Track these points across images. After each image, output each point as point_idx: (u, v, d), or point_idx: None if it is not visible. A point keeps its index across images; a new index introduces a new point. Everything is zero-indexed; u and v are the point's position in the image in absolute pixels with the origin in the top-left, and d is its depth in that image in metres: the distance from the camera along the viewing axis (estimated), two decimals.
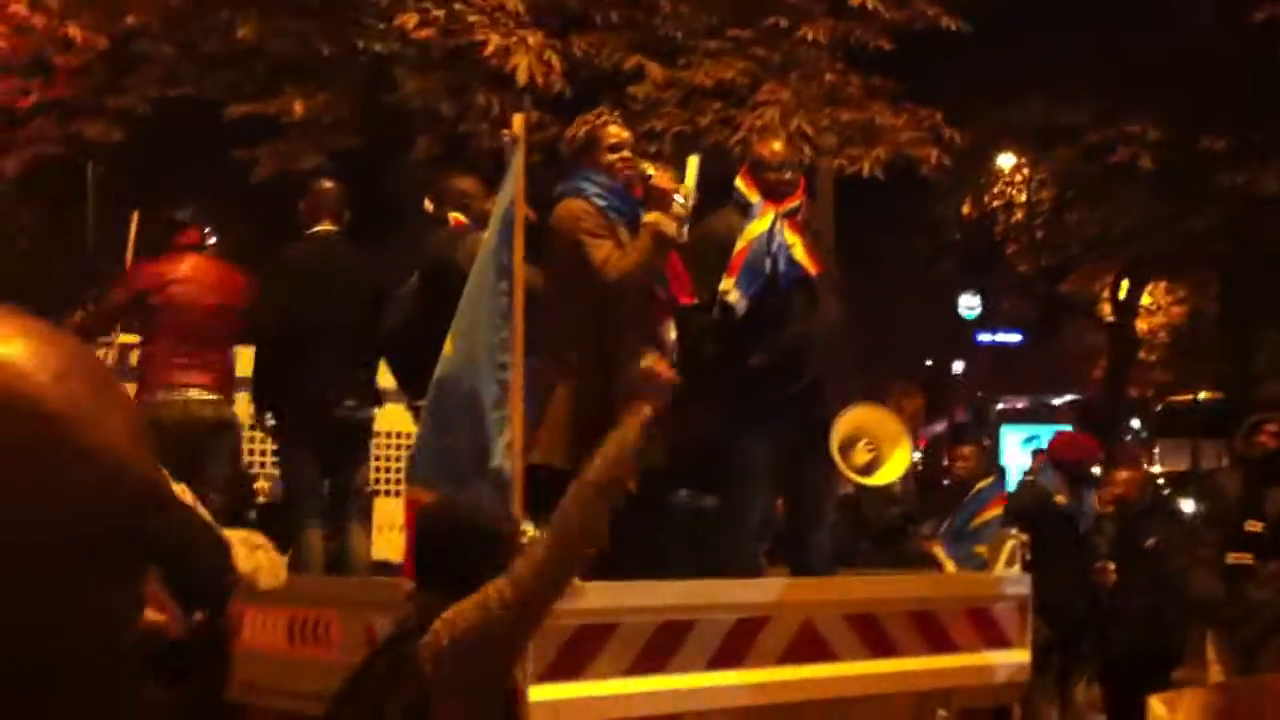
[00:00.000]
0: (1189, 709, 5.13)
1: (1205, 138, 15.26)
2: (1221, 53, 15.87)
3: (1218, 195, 15.77)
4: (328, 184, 6.66)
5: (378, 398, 6.43)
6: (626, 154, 5.31)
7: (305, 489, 6.24)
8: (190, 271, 6.64)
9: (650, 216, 5.10)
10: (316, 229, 6.38)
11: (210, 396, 6.50)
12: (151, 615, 1.08)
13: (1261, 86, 15.70)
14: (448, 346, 4.54)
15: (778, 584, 5.46)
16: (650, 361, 4.81)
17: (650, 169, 5.33)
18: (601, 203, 5.16)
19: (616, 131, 5.33)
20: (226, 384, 6.65)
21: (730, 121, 10.96)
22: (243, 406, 6.78)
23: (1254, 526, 7.85)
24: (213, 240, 7.05)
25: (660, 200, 5.14)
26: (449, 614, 3.14)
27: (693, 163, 5.44)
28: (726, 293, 5.44)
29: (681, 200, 5.12)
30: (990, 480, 8.03)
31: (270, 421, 6.52)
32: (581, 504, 3.26)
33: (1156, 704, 4.59)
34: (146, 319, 6.64)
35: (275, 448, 6.84)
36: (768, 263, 5.51)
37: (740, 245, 5.49)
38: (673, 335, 5.32)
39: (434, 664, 3.08)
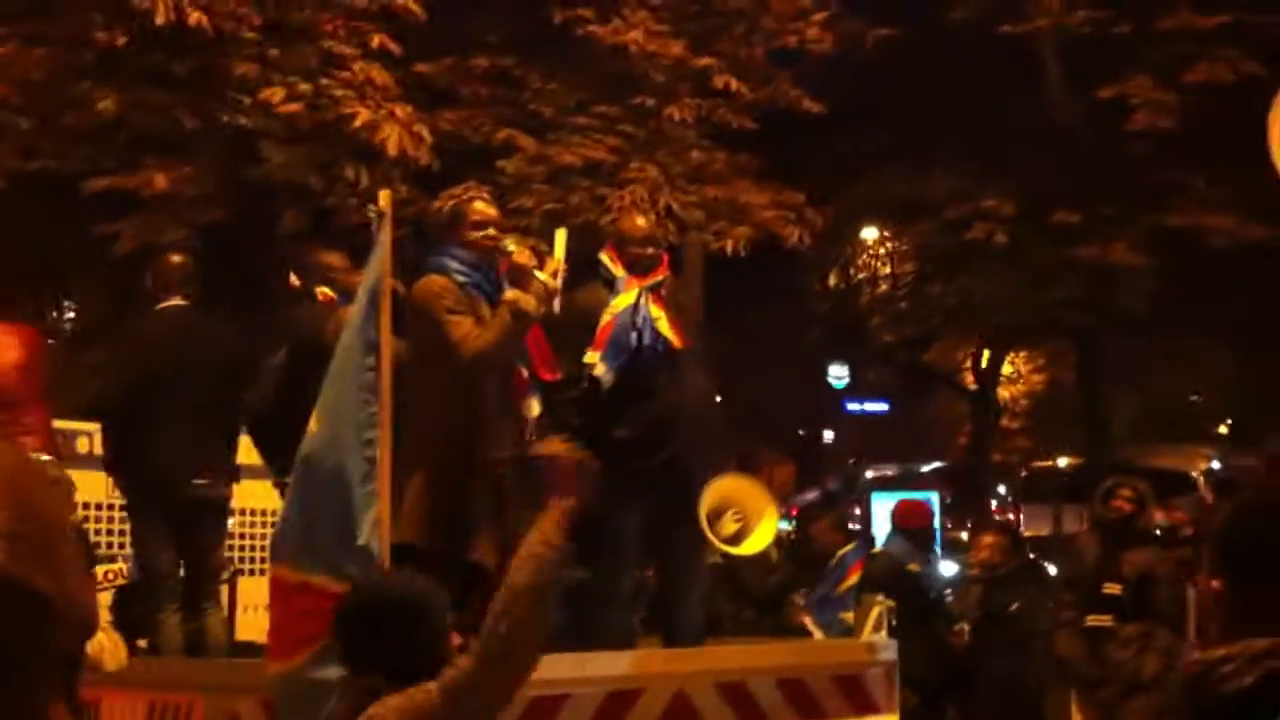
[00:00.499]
0: None
1: (1059, 211, 15.80)
2: (1071, 129, 16.49)
3: (1072, 267, 16.31)
4: (175, 257, 6.51)
5: (234, 474, 6.30)
6: (491, 231, 5.31)
7: (160, 570, 6.06)
8: None
9: (510, 294, 5.12)
10: (166, 303, 6.26)
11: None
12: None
13: (1110, 160, 16.34)
14: (313, 424, 4.50)
15: (649, 655, 5.47)
16: (555, 447, 4.77)
17: (511, 245, 5.37)
18: (462, 279, 5.15)
19: (482, 208, 5.33)
20: (50, 445, 6.37)
21: (600, 200, 11.08)
22: (97, 484, 6.58)
23: (1112, 589, 8.05)
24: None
25: (521, 277, 5.17)
26: (377, 709, 3.07)
27: (561, 235, 5.48)
28: (593, 366, 5.48)
29: (543, 276, 5.16)
30: (851, 546, 8.15)
31: (121, 500, 6.33)
32: (521, 611, 3.14)
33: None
34: None
35: (128, 527, 6.63)
36: (633, 336, 5.57)
37: (605, 319, 5.54)
38: (535, 411, 5.33)
39: None
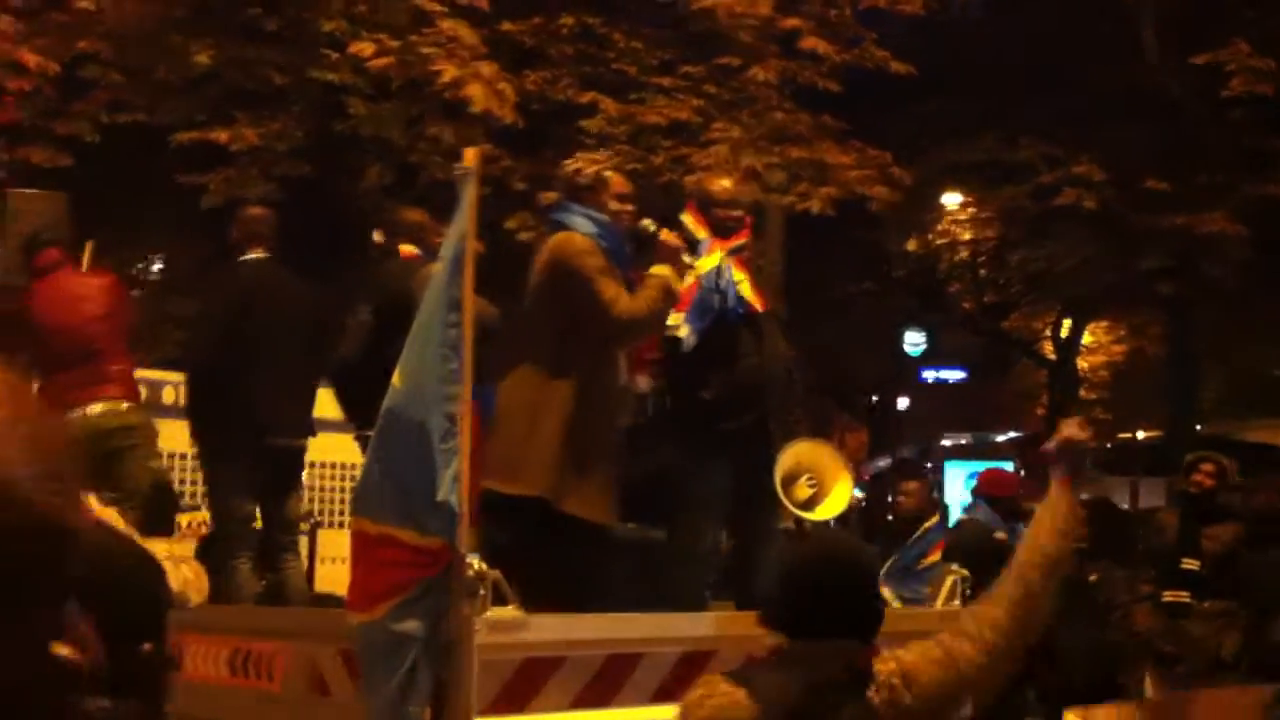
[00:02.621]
0: None
1: (1150, 179, 15.52)
2: (1165, 95, 16.17)
3: (1162, 235, 16.04)
4: (257, 210, 6.59)
5: (312, 428, 6.37)
6: (630, 206, 5.32)
7: (237, 519, 6.15)
8: (51, 293, 6.44)
9: (662, 269, 5.13)
10: (248, 255, 6.33)
11: (110, 407, 6.28)
12: (64, 651, 1.03)
13: (1204, 128, 16.00)
14: (396, 379, 4.54)
15: (723, 618, 5.49)
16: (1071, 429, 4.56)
17: (652, 225, 5.37)
18: (604, 244, 5.14)
19: (624, 181, 5.37)
20: (131, 392, 6.46)
21: (682, 160, 11.05)
22: (182, 434, 6.67)
23: (1190, 564, 7.97)
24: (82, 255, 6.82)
25: (670, 256, 5.18)
26: (894, 667, 2.96)
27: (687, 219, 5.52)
28: (676, 328, 5.48)
29: (692, 259, 5.20)
30: (935, 521, 8.08)
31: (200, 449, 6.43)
32: (1045, 576, 3.19)
33: (1071, 716, 4.66)
34: (34, 351, 6.36)
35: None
36: (716, 299, 5.56)
37: (689, 281, 5.53)
38: (646, 386, 5.37)
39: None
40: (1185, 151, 16.02)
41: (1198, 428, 18.33)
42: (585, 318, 5.03)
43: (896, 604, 6.90)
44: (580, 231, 5.16)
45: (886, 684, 2.95)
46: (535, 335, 5.15)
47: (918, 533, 7.86)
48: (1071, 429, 3.39)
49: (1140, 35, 15.92)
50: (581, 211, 5.20)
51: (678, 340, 5.48)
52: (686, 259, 5.20)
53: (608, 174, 5.33)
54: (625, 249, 5.27)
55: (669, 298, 5.10)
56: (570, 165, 5.48)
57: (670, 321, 5.47)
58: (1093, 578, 8.37)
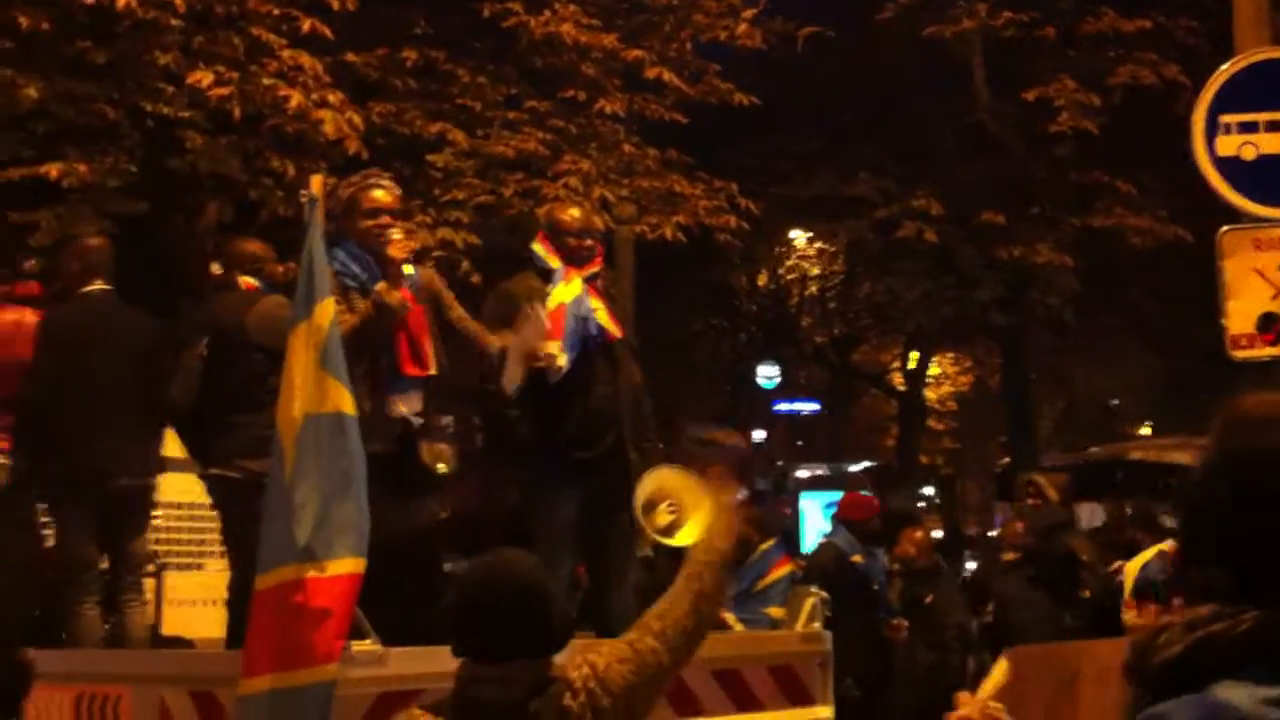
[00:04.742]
0: (1028, 659, 5.37)
1: (985, 212, 15.97)
2: (998, 129, 16.68)
3: (997, 267, 16.50)
4: (95, 241, 6.39)
5: (158, 466, 6.16)
6: (383, 219, 5.20)
7: (83, 563, 5.91)
8: (12, 325, 6.18)
9: (379, 285, 5.04)
10: (89, 287, 6.12)
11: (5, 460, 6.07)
12: None
13: (1034, 161, 16.55)
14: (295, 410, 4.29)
15: (581, 646, 5.41)
16: (724, 435, 4.59)
17: (397, 234, 5.21)
18: (339, 267, 5.03)
19: (378, 196, 5.24)
20: None
21: (533, 192, 11.03)
22: None
23: None
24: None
25: (390, 269, 5.08)
26: (588, 672, 3.04)
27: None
28: (553, 356, 5.42)
29: (410, 269, 5.09)
30: (771, 543, 8.12)
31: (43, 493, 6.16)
32: (715, 576, 3.41)
33: (1002, 659, 4.72)
34: None
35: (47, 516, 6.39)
36: (588, 326, 5.54)
37: (552, 307, 5.49)
38: (405, 406, 5.20)
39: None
40: (1016, 185, 16.54)
41: (1093, 449, 18.79)
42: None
43: (738, 628, 6.90)
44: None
45: (584, 689, 3.03)
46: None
47: (753, 556, 7.91)
48: (723, 435, 3.79)
49: (971, 72, 16.41)
50: (335, 240, 5.07)
51: (544, 369, 5.41)
52: (407, 269, 5.10)
53: (359, 192, 5.21)
54: (378, 267, 5.12)
55: (382, 311, 4.99)
56: (337, 189, 5.35)
57: (549, 349, 5.40)
58: (928, 600, 8.63)
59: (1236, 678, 1.49)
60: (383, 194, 5.26)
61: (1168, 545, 9.01)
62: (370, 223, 5.15)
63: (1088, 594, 7.89)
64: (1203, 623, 1.54)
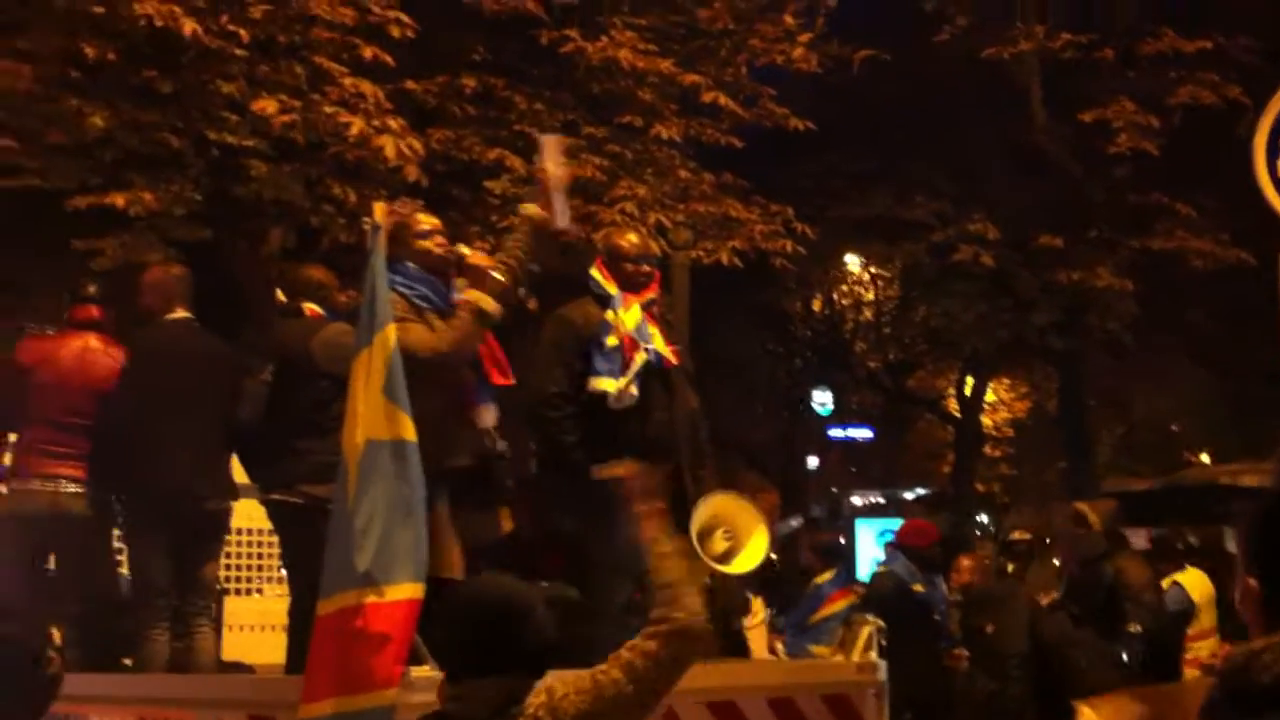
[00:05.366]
0: (1113, 710, 5.26)
1: (1042, 235, 15.86)
2: (1055, 153, 16.57)
3: (1054, 291, 16.37)
4: (176, 270, 6.50)
5: (235, 490, 6.24)
6: (439, 238, 5.26)
7: (155, 588, 5.98)
8: (79, 350, 6.31)
9: (469, 294, 5.09)
10: (170, 315, 6.21)
11: (81, 489, 6.14)
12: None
13: (1092, 183, 16.42)
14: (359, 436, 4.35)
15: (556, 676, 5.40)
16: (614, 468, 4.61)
17: (465, 249, 5.32)
18: (407, 291, 5.09)
19: (425, 218, 5.30)
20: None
21: (589, 217, 11.08)
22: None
23: None
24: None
25: (478, 278, 5.13)
26: (544, 700, 3.03)
27: (548, 141, 5.45)
28: (624, 387, 5.46)
29: (500, 275, 5.14)
30: (830, 575, 8.05)
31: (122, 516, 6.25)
32: (686, 603, 3.30)
33: (1083, 707, 4.67)
34: (25, 399, 6.23)
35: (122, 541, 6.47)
36: (650, 353, 5.57)
37: (621, 336, 5.51)
38: (489, 419, 5.27)
39: None
40: (1074, 208, 16.41)
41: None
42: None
43: (784, 659, 6.85)
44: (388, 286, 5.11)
45: (533, 716, 3.03)
46: None
47: (810, 587, 7.84)
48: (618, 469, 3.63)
49: (1029, 94, 16.33)
50: (393, 268, 5.10)
51: (606, 394, 5.45)
52: (499, 276, 5.15)
53: (406, 217, 5.26)
54: (440, 285, 5.19)
55: (481, 319, 5.05)
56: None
57: (620, 383, 5.42)
58: (989, 629, 8.53)
59: None
60: (429, 216, 5.34)
61: (1186, 575, 8.91)
62: (428, 243, 5.21)
63: (1138, 627, 7.72)
64: None
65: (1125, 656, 7.72)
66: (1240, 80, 14.76)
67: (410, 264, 5.15)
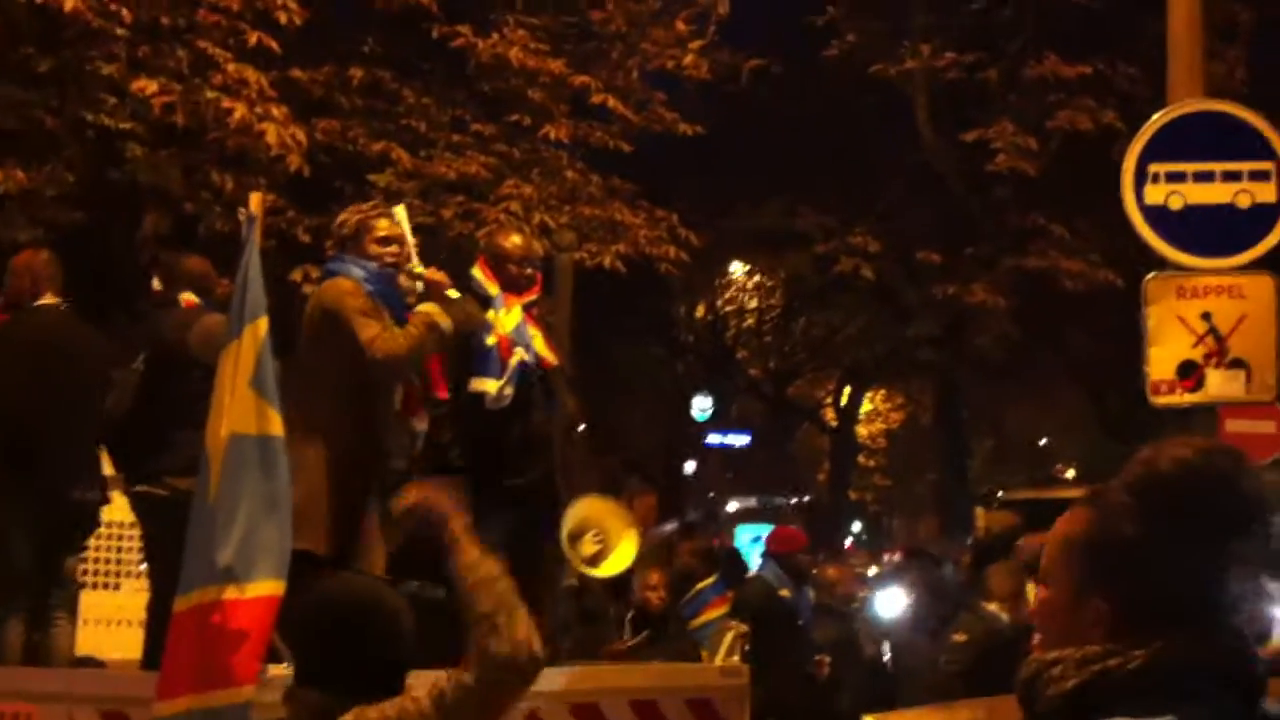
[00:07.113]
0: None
1: (921, 250, 16.15)
2: (937, 170, 16.89)
3: (932, 305, 16.68)
4: (45, 254, 6.32)
5: (105, 482, 6.09)
6: (395, 248, 5.30)
7: (20, 579, 5.82)
8: None
9: (427, 306, 5.13)
10: (40, 301, 6.05)
11: None
12: None
13: (972, 202, 16.76)
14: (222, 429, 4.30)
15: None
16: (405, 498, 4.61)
17: (419, 267, 5.34)
18: (369, 287, 5.14)
19: (387, 225, 5.33)
20: None
21: (473, 215, 11.03)
22: None
23: None
24: None
25: (436, 292, 5.17)
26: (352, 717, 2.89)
27: (401, 212, 5.51)
28: (503, 385, 5.47)
29: (452, 294, 5.16)
30: (711, 580, 8.09)
31: None
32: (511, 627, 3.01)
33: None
34: None
35: None
36: (528, 355, 5.58)
37: (499, 337, 5.52)
38: (423, 426, 5.31)
39: None
40: (957, 225, 16.74)
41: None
42: (347, 359, 4.97)
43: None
44: (349, 276, 5.15)
45: None
46: (308, 385, 5.05)
47: (689, 593, 7.88)
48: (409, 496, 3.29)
49: (914, 111, 16.62)
50: (351, 260, 5.21)
51: (485, 395, 5.45)
52: (451, 293, 5.20)
53: (370, 219, 5.31)
54: (396, 290, 5.27)
55: (435, 332, 5.09)
56: (340, 217, 5.44)
57: (497, 385, 5.43)
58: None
59: (1129, 712, 1.55)
60: (391, 224, 5.36)
61: None
62: (384, 250, 5.25)
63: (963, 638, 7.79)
64: (1097, 658, 1.59)
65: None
66: (1118, 106, 15.16)
67: (368, 262, 5.18)
